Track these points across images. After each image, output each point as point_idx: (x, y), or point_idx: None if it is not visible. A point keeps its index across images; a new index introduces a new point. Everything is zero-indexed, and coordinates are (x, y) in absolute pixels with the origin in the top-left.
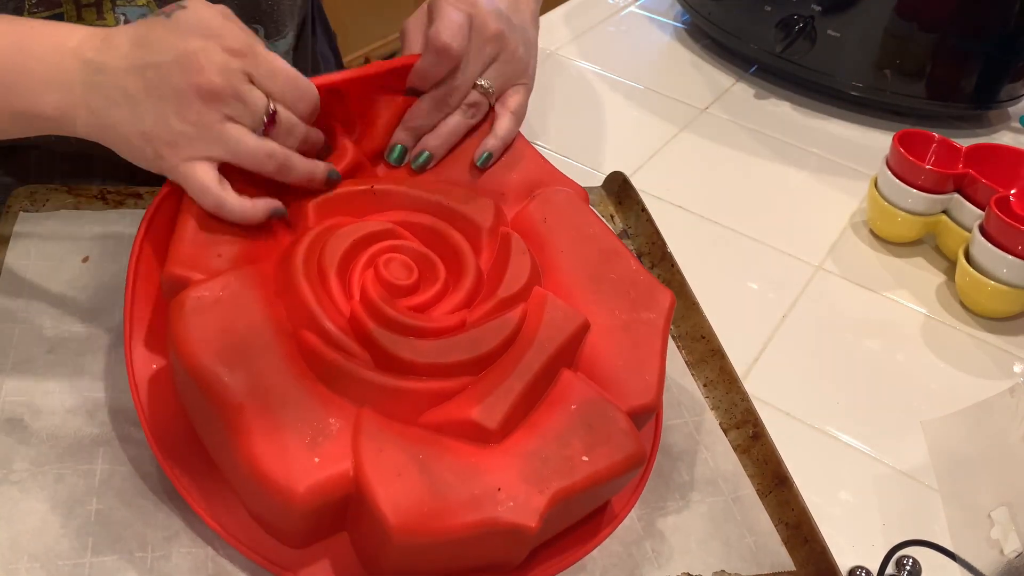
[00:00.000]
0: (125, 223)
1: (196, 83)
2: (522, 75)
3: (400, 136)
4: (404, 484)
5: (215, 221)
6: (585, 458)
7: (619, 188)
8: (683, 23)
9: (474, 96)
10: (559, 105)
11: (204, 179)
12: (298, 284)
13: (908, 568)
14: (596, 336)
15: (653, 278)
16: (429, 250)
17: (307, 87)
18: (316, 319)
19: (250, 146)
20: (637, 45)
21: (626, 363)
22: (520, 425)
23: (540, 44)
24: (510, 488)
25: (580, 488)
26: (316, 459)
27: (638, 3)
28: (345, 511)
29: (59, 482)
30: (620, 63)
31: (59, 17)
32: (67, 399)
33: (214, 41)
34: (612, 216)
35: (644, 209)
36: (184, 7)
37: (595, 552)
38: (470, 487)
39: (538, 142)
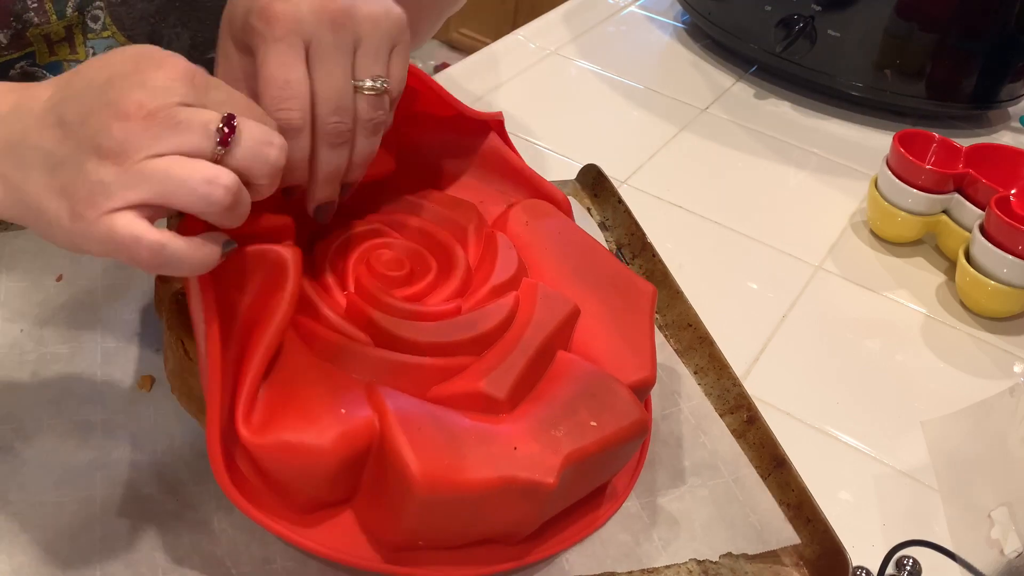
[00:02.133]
0: None
1: (117, 109)
2: (395, 33)
3: (320, 194)
4: (425, 437)
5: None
6: (593, 423)
7: (594, 180)
8: (683, 23)
9: (365, 109)
10: (558, 105)
11: (128, 229)
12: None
13: (908, 568)
14: (586, 321)
15: (634, 273)
16: (418, 246)
17: (271, 133)
18: (315, 306)
19: (182, 175)
20: (637, 45)
21: (618, 344)
22: (525, 399)
23: (540, 44)
24: (526, 448)
25: (592, 451)
26: (342, 410)
27: (638, 3)
28: (362, 470)
29: (59, 511)
30: (620, 63)
31: (30, 56)
32: (57, 423)
33: (148, 65)
34: (589, 209)
35: (620, 200)
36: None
37: (604, 543)
38: (487, 446)
39: (537, 142)
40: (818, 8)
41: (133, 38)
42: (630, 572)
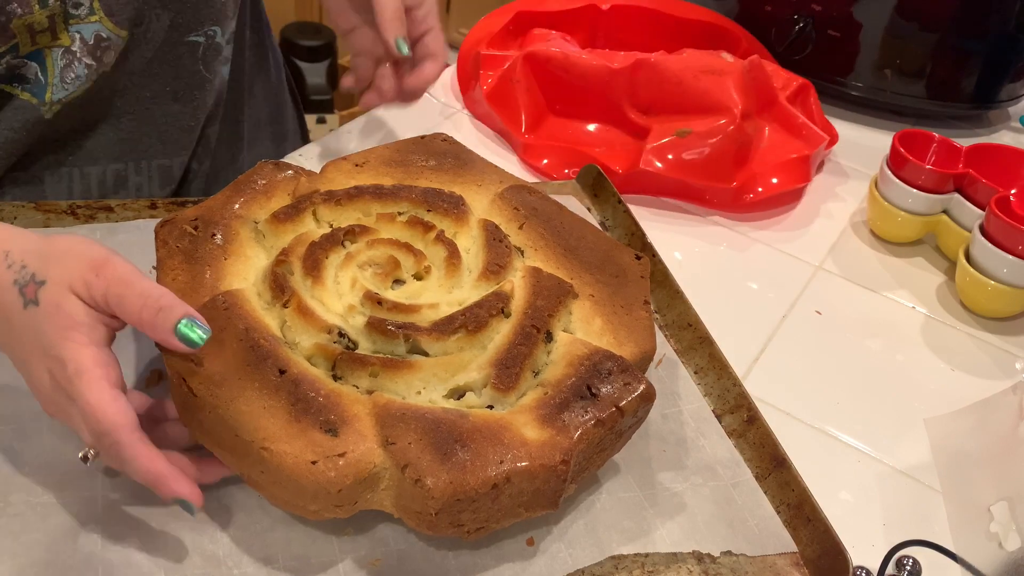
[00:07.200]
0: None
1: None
2: None
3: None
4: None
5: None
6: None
7: (594, 181)
8: None
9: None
10: None
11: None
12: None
13: (908, 568)
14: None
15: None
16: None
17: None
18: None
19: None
20: None
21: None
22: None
23: None
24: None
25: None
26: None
27: None
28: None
29: (60, 511)
30: None
31: (14, 49)
32: (57, 424)
33: (42, 361)
34: (589, 209)
35: (620, 200)
36: (43, 287)
37: (607, 529)
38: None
39: None
40: (818, 8)
41: (119, 23)
42: (636, 554)
